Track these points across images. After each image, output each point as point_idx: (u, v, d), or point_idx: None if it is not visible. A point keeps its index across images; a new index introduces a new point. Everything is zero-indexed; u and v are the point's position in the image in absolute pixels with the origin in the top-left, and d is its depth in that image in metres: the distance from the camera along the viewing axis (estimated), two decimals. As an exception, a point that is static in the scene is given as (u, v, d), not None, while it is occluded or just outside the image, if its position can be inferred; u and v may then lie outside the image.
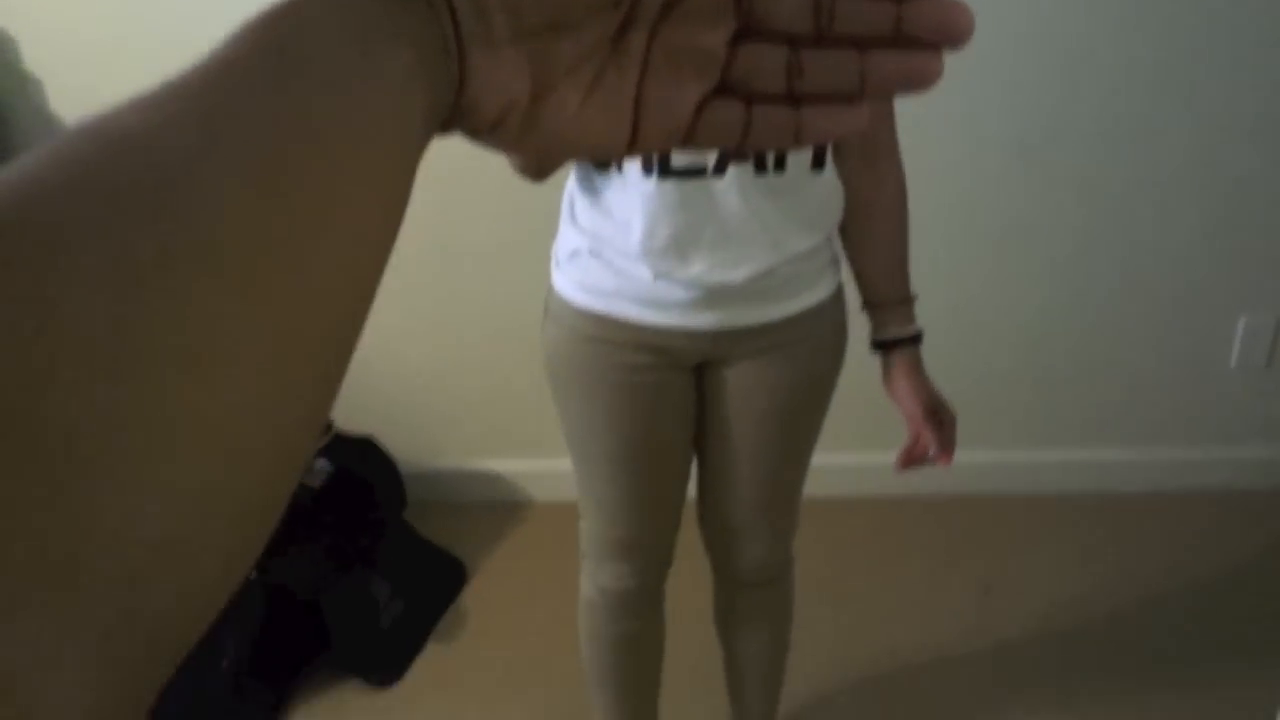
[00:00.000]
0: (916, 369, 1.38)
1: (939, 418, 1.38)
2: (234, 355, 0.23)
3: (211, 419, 0.22)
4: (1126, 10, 2.15)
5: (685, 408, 1.39)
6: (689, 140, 0.38)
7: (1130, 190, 2.32)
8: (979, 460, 2.48)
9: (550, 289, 1.37)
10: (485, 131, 0.36)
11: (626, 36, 0.36)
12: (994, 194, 2.31)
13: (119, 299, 0.20)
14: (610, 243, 1.26)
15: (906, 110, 1.31)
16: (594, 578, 1.53)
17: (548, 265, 1.38)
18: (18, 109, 2.31)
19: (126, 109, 0.24)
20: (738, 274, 1.25)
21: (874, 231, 1.36)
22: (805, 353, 1.36)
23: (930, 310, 1.42)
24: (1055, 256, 2.40)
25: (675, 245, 1.23)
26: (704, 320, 1.28)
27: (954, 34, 0.34)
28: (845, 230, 1.36)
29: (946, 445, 1.39)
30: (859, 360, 1.43)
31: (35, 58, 2.27)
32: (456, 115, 0.34)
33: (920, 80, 0.35)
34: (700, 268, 1.24)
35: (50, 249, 0.20)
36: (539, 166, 0.39)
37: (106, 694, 0.21)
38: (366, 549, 2.20)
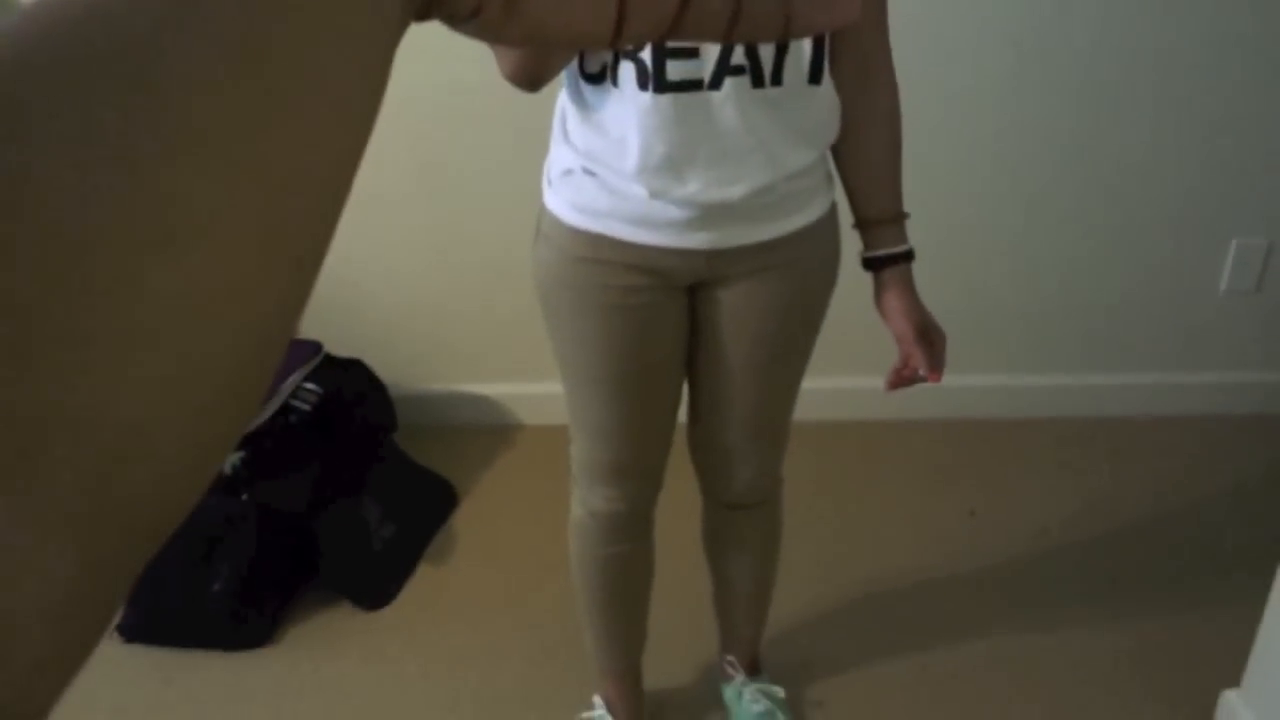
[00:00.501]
0: (908, 288, 1.38)
1: (929, 338, 1.38)
2: (208, 232, 0.22)
3: (185, 299, 0.22)
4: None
5: (678, 329, 1.39)
6: (675, 31, 0.37)
7: (1122, 111, 2.30)
8: (967, 384, 2.50)
9: (542, 209, 1.35)
10: (464, 18, 0.34)
11: None
12: (984, 113, 2.29)
13: (87, 172, 0.20)
14: (604, 161, 1.24)
15: (897, 26, 1.29)
16: (584, 500, 1.53)
17: (539, 185, 1.36)
18: None
19: None
20: (734, 191, 1.23)
21: (867, 147, 1.34)
22: (799, 273, 1.35)
23: (921, 231, 1.41)
24: (1045, 179, 2.38)
25: (671, 163, 1.21)
26: (699, 240, 1.27)
27: None
28: (838, 147, 1.34)
29: (936, 364, 1.39)
30: (850, 282, 1.42)
31: None
32: (435, 4, 0.33)
33: None
34: (696, 185, 1.22)
35: (14, 120, 0.19)
36: (529, 69, 0.38)
37: (79, 580, 0.20)
38: (357, 472, 2.20)
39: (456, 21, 0.34)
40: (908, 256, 1.37)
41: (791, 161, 1.25)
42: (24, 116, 0.20)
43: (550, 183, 1.33)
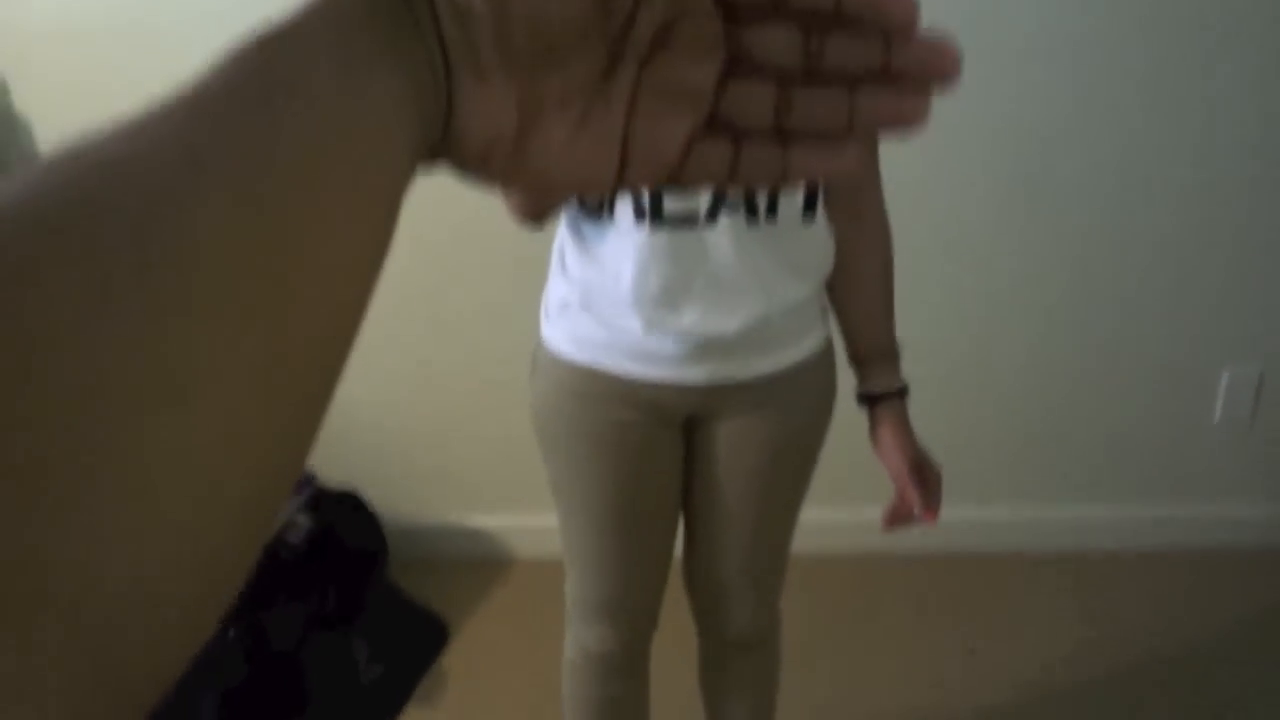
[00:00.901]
0: (903, 425, 1.38)
1: (924, 474, 1.38)
2: (213, 387, 0.22)
3: (187, 456, 0.21)
4: (1113, 64, 2.18)
5: (673, 464, 1.38)
6: (677, 177, 0.38)
7: (1112, 244, 2.34)
8: (963, 517, 2.48)
9: (539, 342, 1.36)
10: (471, 164, 0.35)
11: (615, 71, 0.36)
12: (977, 248, 2.33)
13: (98, 328, 0.20)
14: (601, 293, 1.25)
15: (892, 164, 1.32)
16: (578, 639, 1.50)
17: (536, 317, 1.37)
18: (7, 151, 2.31)
19: (110, 131, 0.24)
20: (730, 324, 1.24)
21: (860, 284, 1.36)
22: (794, 407, 1.35)
23: (915, 365, 1.42)
24: (1038, 311, 2.41)
25: (667, 295, 1.22)
26: (695, 374, 1.27)
27: (941, 70, 0.34)
28: (831, 282, 1.36)
29: (932, 504, 1.38)
30: (847, 414, 1.42)
31: (25, 100, 2.28)
32: (443, 146, 0.34)
33: (908, 119, 0.35)
34: (692, 318, 1.23)
35: (27, 277, 0.20)
36: (533, 208, 0.39)
37: None
38: (347, 607, 2.16)
39: (463, 168, 0.35)
40: (902, 393, 1.37)
41: (786, 295, 1.27)
42: (38, 272, 0.20)
43: (548, 316, 1.34)
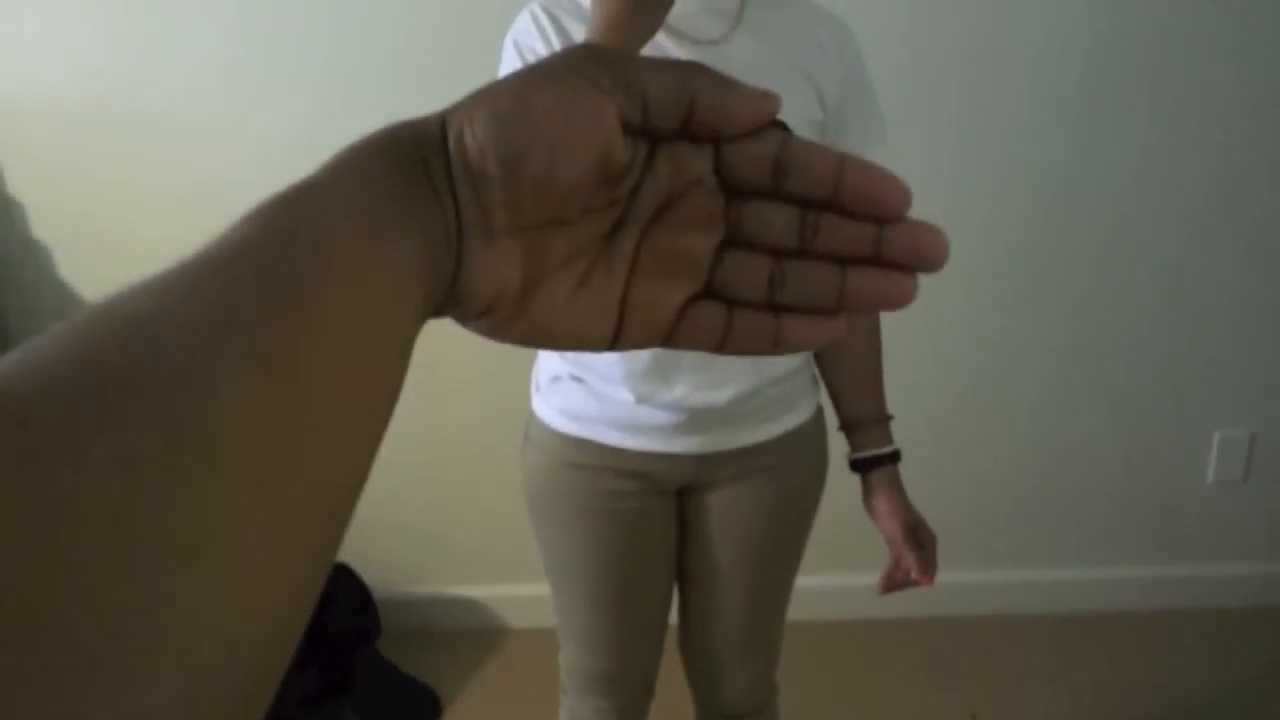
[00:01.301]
0: (896, 489, 1.38)
1: (919, 539, 1.37)
2: (233, 549, 0.23)
3: (208, 615, 0.22)
4: (1103, 135, 2.21)
5: (667, 534, 1.38)
6: (669, 340, 0.39)
7: (1102, 309, 2.36)
8: (959, 580, 2.46)
9: (530, 414, 1.36)
10: (475, 317, 0.37)
11: (618, 236, 0.38)
12: (967, 314, 2.34)
13: (127, 493, 0.20)
14: (592, 366, 1.26)
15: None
16: (573, 711, 1.48)
17: (527, 389, 1.38)
18: (26, 275, 2.33)
19: (139, 291, 0.25)
20: (720, 396, 1.25)
21: (848, 351, 1.37)
22: (787, 476, 1.35)
23: (906, 430, 1.42)
24: (1031, 375, 2.42)
25: (657, 368, 1.23)
26: (686, 444, 1.28)
27: (929, 258, 0.36)
28: (820, 351, 1.37)
29: (927, 567, 1.38)
30: (838, 480, 1.42)
31: (43, 225, 2.31)
32: (450, 299, 0.35)
33: (895, 300, 0.36)
34: (683, 390, 1.24)
35: (63, 441, 0.20)
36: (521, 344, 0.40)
37: None
38: (339, 681, 2.14)
39: (467, 321, 0.37)
40: (894, 457, 1.38)
41: (776, 366, 1.27)
42: (72, 438, 0.20)
43: (539, 388, 1.35)
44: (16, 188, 2.29)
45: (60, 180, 2.26)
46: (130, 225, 2.26)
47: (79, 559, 0.19)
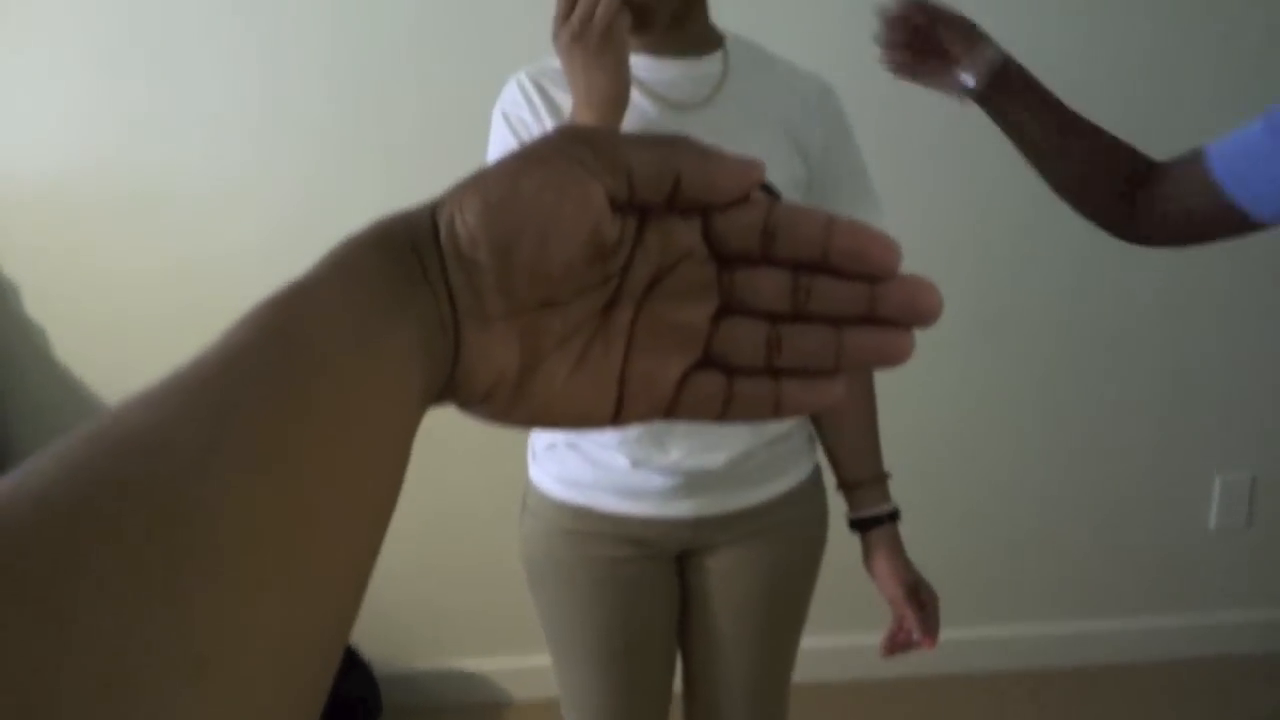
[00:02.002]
0: (896, 549, 1.37)
1: (921, 599, 1.36)
2: (238, 660, 0.23)
3: None
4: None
5: (668, 599, 1.37)
6: (671, 412, 0.39)
7: (1096, 352, 2.37)
8: (962, 637, 2.44)
9: (527, 483, 1.36)
10: (474, 403, 0.37)
11: (613, 311, 0.38)
12: (958, 364, 2.35)
13: (129, 610, 0.21)
14: (587, 433, 1.26)
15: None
16: (579, 782, 1.46)
17: (523, 458, 1.38)
18: (20, 356, 2.34)
19: (135, 406, 0.25)
20: (716, 458, 1.25)
21: (843, 411, 1.37)
22: (786, 537, 1.35)
23: (904, 488, 1.42)
24: (1023, 422, 2.42)
25: (652, 432, 1.23)
26: (684, 508, 1.27)
27: (923, 313, 0.36)
28: (815, 412, 1.37)
29: (930, 629, 1.37)
30: (839, 540, 1.42)
31: (37, 305, 2.32)
32: (448, 387, 0.35)
33: (893, 357, 0.36)
34: (678, 454, 1.24)
35: (64, 561, 0.20)
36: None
37: None
38: (340, 761, 2.10)
39: (466, 407, 0.37)
40: (893, 517, 1.37)
41: (771, 426, 1.27)
42: (73, 557, 0.20)
43: (535, 456, 1.35)
44: (11, 269, 2.30)
45: (55, 261, 2.28)
46: (125, 306, 2.27)
47: (80, 682, 0.19)
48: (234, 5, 2.17)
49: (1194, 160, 1.18)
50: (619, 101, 1.06)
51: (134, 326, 2.28)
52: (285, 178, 2.23)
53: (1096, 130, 1.23)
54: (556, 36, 1.05)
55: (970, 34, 1.21)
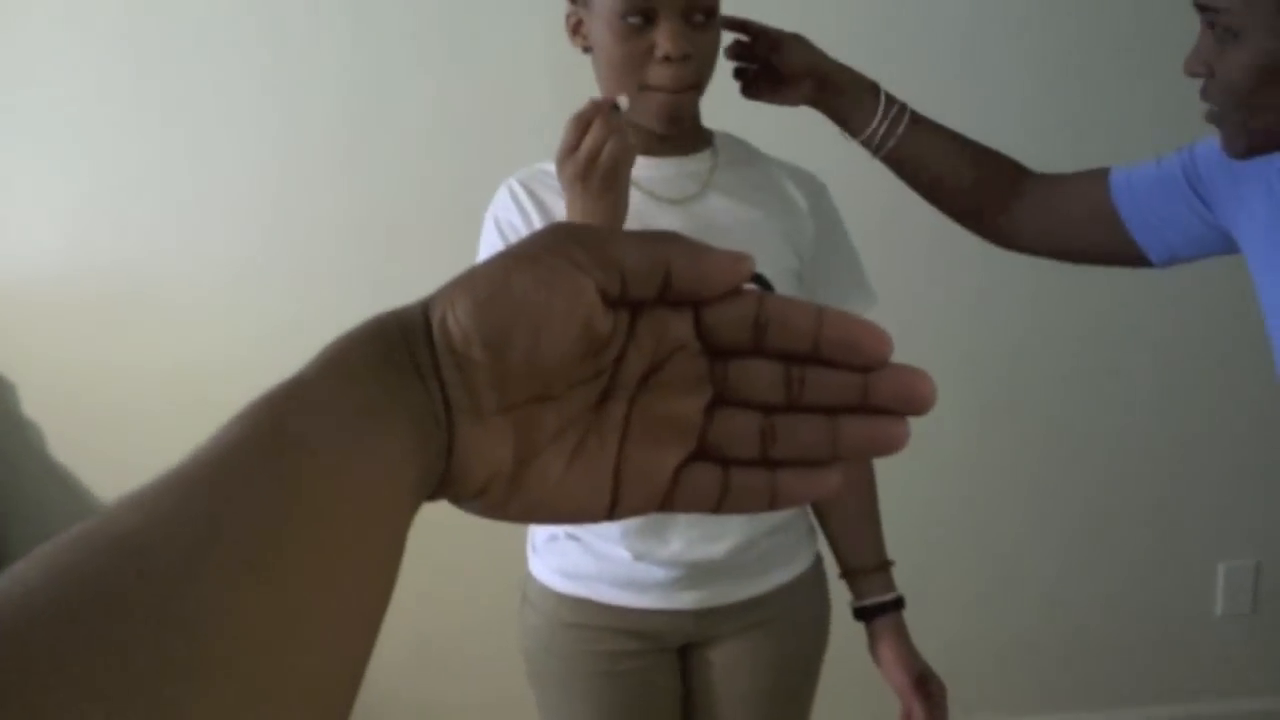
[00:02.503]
0: (901, 637, 1.35)
1: (928, 689, 1.34)
2: None
3: None
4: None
5: (670, 693, 1.34)
6: (667, 504, 0.39)
7: (1094, 440, 2.37)
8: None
9: (528, 575, 1.35)
10: (469, 499, 0.37)
11: (607, 405, 0.38)
12: (955, 450, 2.34)
13: (115, 714, 0.20)
14: (587, 525, 1.25)
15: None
16: None
17: (523, 550, 1.37)
18: (17, 454, 2.34)
19: (126, 507, 0.25)
20: (718, 549, 1.24)
21: (843, 500, 1.37)
22: (790, 627, 1.33)
23: (907, 577, 1.40)
24: (1023, 513, 2.41)
25: (652, 523, 1.22)
26: (685, 600, 1.26)
27: (917, 401, 0.36)
28: (815, 501, 1.37)
29: (938, 719, 1.34)
30: (848, 629, 1.40)
31: (34, 403, 2.33)
32: (443, 484, 0.35)
33: (888, 446, 0.37)
34: (679, 545, 1.23)
35: (50, 666, 0.20)
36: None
37: None
38: None
39: (461, 503, 0.37)
40: (897, 604, 1.36)
41: (772, 517, 1.27)
42: (60, 663, 0.20)
43: (535, 549, 1.34)
44: (7, 367, 2.31)
45: (51, 359, 2.29)
46: (120, 403, 2.28)
47: None
48: (229, 106, 2.21)
49: (1095, 178, 1.21)
50: (615, 228, 1.08)
51: (131, 423, 2.28)
52: (282, 277, 2.25)
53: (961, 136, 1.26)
54: (560, 166, 1.04)
55: (798, 47, 1.23)
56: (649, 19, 1.09)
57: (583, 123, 1.02)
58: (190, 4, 2.19)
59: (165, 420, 2.23)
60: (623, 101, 1.04)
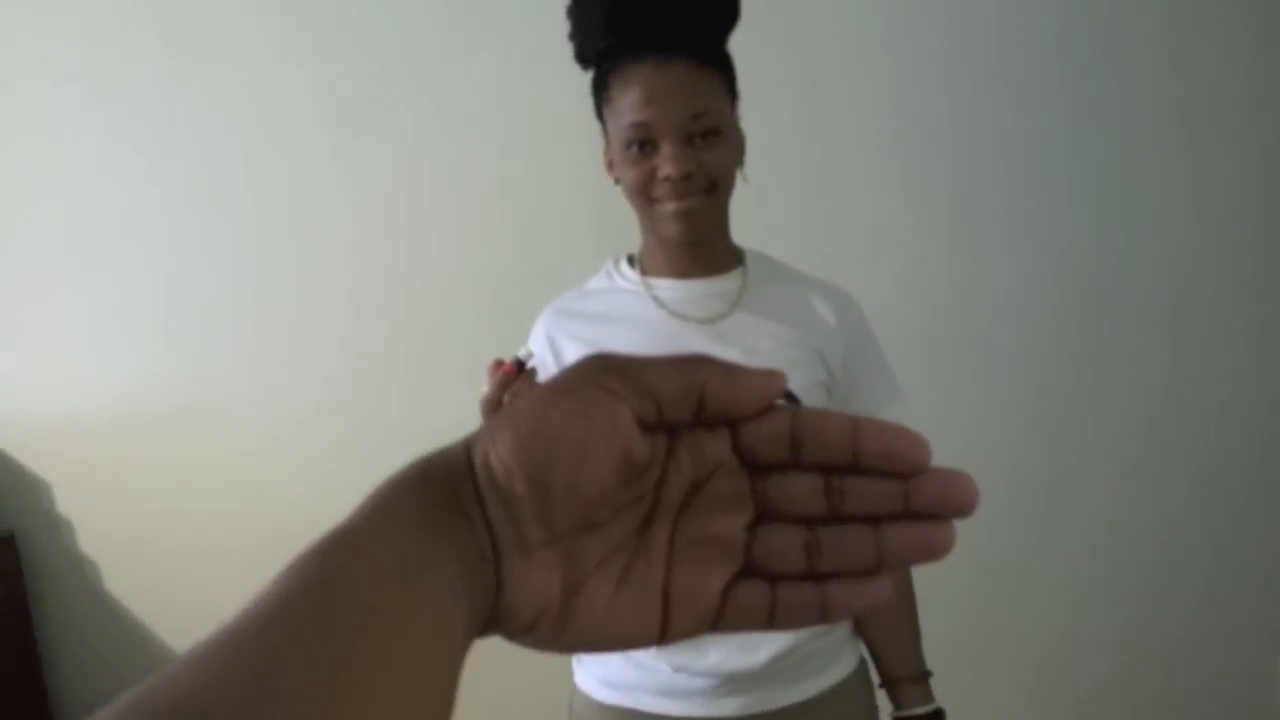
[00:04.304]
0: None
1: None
2: None
3: None
4: (1122, 336, 2.26)
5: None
6: (718, 625, 0.39)
7: (1144, 536, 2.34)
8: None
9: (573, 688, 1.36)
10: (520, 633, 0.37)
11: (651, 529, 0.39)
12: (1001, 553, 2.32)
13: None
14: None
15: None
16: None
17: (568, 661, 1.38)
18: (72, 591, 2.38)
19: (182, 668, 0.26)
20: (757, 658, 1.24)
21: (884, 611, 1.36)
22: (835, 734, 1.32)
23: (950, 679, 1.39)
24: (1073, 614, 2.37)
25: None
26: (727, 707, 1.26)
27: (959, 505, 0.35)
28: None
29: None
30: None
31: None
32: (493, 620, 0.36)
33: (935, 551, 0.36)
34: (717, 656, 1.24)
35: None
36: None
37: None
38: None
39: (512, 637, 0.38)
40: (937, 715, 1.35)
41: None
42: None
43: (579, 660, 1.35)
44: (66, 506, 2.36)
45: (107, 497, 2.34)
46: (174, 540, 2.32)
47: None
48: (303, 259, 2.27)
49: None
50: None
51: (183, 561, 2.31)
52: (344, 426, 2.30)
53: None
54: (482, 408, 1.17)
55: None
56: (651, 145, 1.18)
57: (501, 383, 1.14)
58: (271, 159, 2.27)
59: (216, 556, 2.27)
60: (523, 353, 1.17)
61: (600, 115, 1.26)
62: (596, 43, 1.21)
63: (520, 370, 1.15)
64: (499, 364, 1.16)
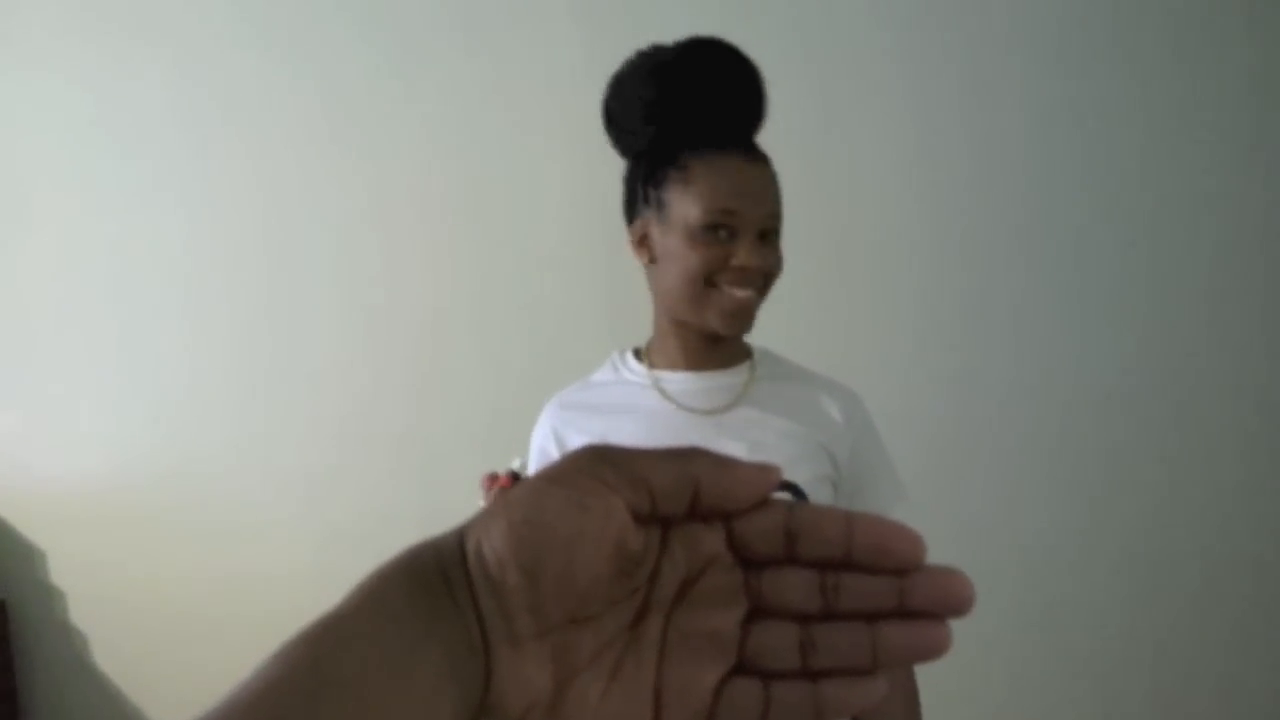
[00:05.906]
0: None
1: None
2: None
3: None
4: (1128, 444, 2.25)
5: None
6: None
7: (1154, 627, 2.31)
8: None
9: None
10: None
11: (643, 623, 0.38)
12: (1003, 657, 2.29)
13: None
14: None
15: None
16: None
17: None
18: (61, 663, 2.35)
19: None
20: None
21: (885, 711, 1.34)
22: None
23: None
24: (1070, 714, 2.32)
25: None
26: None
27: (955, 604, 0.35)
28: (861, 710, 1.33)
29: None
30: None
31: (82, 611, 2.35)
32: (483, 711, 0.35)
33: (930, 650, 0.35)
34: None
35: None
36: None
37: None
38: None
39: None
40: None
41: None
42: None
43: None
44: (59, 577, 2.34)
45: (98, 568, 2.31)
46: (164, 613, 2.29)
47: None
48: (300, 327, 2.29)
49: None
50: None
51: (174, 633, 2.28)
52: (342, 504, 2.28)
53: None
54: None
55: None
56: (731, 234, 1.18)
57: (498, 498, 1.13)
58: (267, 228, 2.29)
59: (205, 628, 2.24)
60: (517, 464, 1.18)
61: (649, 196, 1.25)
62: (674, 131, 1.21)
63: (515, 482, 1.14)
64: (493, 477, 1.15)
